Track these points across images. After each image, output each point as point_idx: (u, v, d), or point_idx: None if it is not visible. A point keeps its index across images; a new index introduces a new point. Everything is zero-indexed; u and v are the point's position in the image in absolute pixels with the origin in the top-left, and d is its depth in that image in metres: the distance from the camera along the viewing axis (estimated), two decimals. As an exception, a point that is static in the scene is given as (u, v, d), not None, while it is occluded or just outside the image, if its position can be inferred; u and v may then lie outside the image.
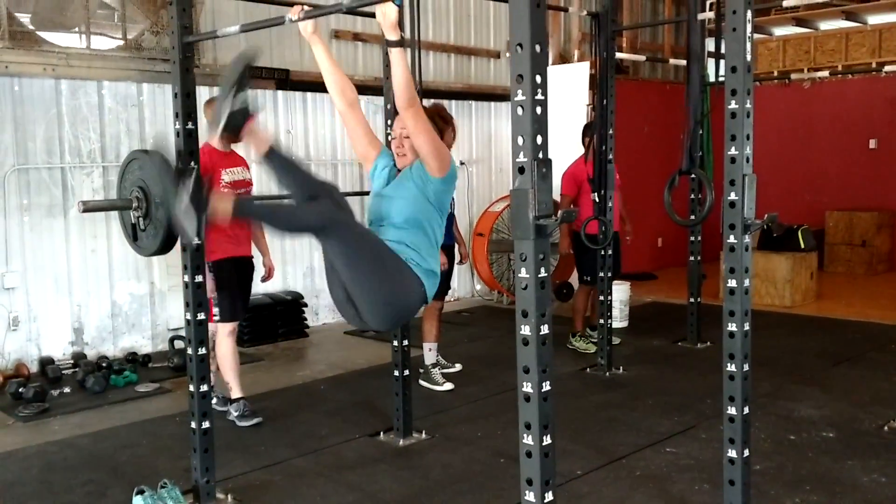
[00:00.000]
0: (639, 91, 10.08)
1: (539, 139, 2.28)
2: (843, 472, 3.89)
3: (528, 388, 2.37)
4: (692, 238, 6.41)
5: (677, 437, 4.40)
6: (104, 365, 5.84)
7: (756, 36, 10.92)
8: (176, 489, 3.61)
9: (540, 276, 2.32)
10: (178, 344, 6.14)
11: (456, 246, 5.76)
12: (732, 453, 3.15)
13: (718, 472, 3.73)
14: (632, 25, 9.01)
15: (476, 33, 8.73)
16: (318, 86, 7.24)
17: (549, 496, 2.40)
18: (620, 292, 7.06)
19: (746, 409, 3.14)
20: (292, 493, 3.78)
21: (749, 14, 2.99)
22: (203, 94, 6.72)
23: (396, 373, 4.43)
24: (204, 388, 3.66)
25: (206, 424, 3.66)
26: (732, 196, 3.06)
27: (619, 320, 7.06)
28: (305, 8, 3.08)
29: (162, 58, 6.35)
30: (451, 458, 4.19)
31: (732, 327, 3.11)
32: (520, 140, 2.28)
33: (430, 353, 5.51)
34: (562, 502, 3.58)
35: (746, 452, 3.15)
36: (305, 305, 7.16)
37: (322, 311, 7.63)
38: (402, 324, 4.29)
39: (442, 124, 3.58)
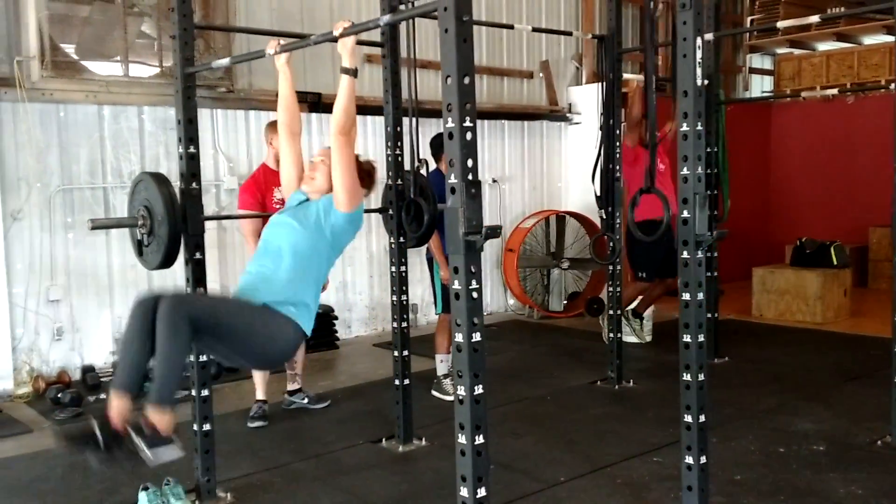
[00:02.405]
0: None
1: (469, 162, 2.50)
2: (822, 484, 3.94)
3: (461, 391, 2.56)
4: (708, 254, 6.46)
5: (667, 448, 4.49)
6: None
7: (799, 52, 10.97)
8: (179, 487, 3.89)
9: (471, 287, 2.52)
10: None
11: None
12: (689, 460, 3.28)
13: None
14: (636, 48, 9.10)
15: (509, 55, 8.94)
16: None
17: (481, 492, 2.58)
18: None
19: (703, 418, 3.27)
20: (287, 493, 4.02)
21: (699, 41, 3.14)
22: (239, 117, 7.20)
23: (397, 382, 4.65)
24: (205, 392, 3.95)
25: (206, 427, 3.95)
26: (685, 214, 3.20)
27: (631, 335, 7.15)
28: (281, 42, 3.36)
29: (198, 84, 6.72)
30: (443, 464, 4.37)
31: (687, 338, 3.24)
32: (451, 163, 2.50)
33: (441, 364, 5.71)
34: (537, 507, 3.79)
35: (703, 459, 3.28)
36: (336, 318, 7.44)
37: (355, 325, 7.91)
38: (285, 360, 4.47)
39: (366, 177, 3.71)
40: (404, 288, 4.62)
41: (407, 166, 4.51)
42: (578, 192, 8.83)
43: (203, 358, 3.92)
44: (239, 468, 4.36)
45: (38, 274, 6.20)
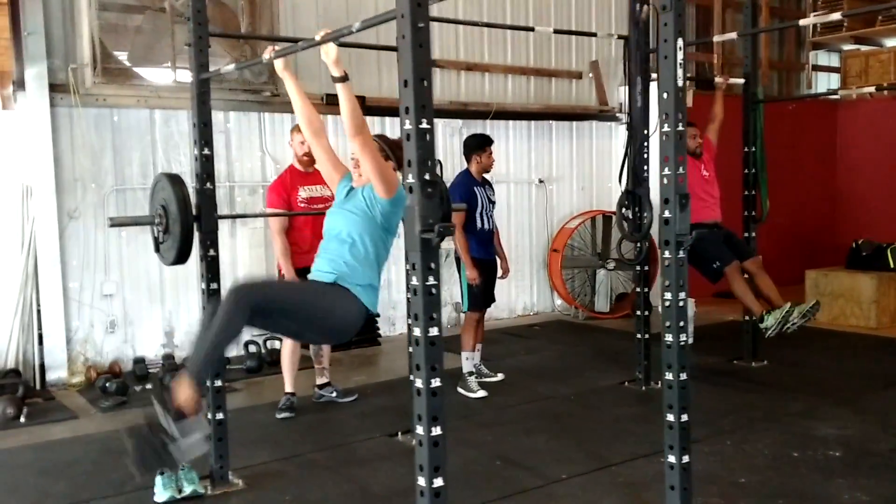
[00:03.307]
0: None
1: (426, 162, 2.59)
2: (827, 490, 3.88)
3: (418, 383, 2.66)
4: (744, 256, 6.36)
5: (679, 450, 4.48)
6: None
7: (866, 48, 10.61)
8: (193, 472, 4.08)
9: (427, 283, 2.61)
10: (252, 348, 6.73)
11: (497, 261, 6.02)
12: (672, 459, 3.29)
13: (699, 485, 3.88)
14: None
15: (557, 55, 8.95)
16: (394, 111, 7.76)
17: (437, 482, 2.66)
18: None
19: (684, 417, 3.28)
20: (296, 481, 4.18)
21: (680, 42, 3.16)
22: (286, 120, 7.42)
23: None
24: (218, 383, 4.14)
25: (220, 416, 4.13)
26: (666, 214, 3.22)
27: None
28: (276, 47, 3.52)
29: (243, 88, 7.01)
30: (452, 458, 4.39)
31: (669, 338, 3.25)
32: (408, 163, 2.59)
33: (466, 361, 5.80)
34: (534, 502, 3.85)
35: (685, 459, 3.29)
36: (378, 315, 7.60)
37: (399, 322, 8.05)
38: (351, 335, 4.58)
39: (399, 153, 3.77)
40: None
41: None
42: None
43: (217, 350, 4.09)
44: (257, 457, 4.54)
45: (93, 270, 6.55)
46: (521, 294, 8.88)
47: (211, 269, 4.08)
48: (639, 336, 5.82)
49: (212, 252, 4.06)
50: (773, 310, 5.88)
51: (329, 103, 7.29)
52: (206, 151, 4.06)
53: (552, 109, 8.75)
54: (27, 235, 6.23)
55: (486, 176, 6.00)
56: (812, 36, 10.82)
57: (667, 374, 3.29)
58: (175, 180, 3.96)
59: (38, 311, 6.28)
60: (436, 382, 2.68)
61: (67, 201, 6.41)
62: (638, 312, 5.84)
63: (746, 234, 6.32)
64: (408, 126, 2.58)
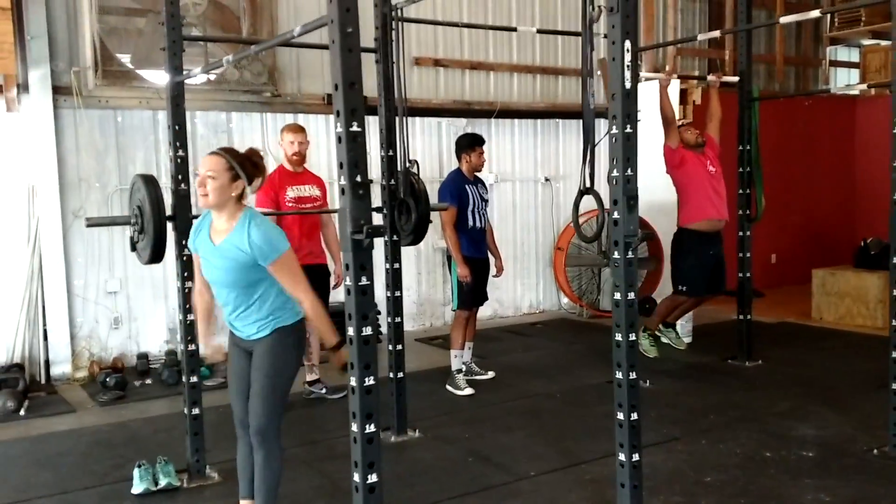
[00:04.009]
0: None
1: (357, 165, 2.65)
2: (791, 490, 3.87)
3: (353, 381, 2.72)
4: (740, 254, 6.32)
5: (653, 448, 4.46)
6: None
7: (887, 43, 10.42)
8: (170, 465, 4.20)
9: (360, 283, 2.68)
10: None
11: (491, 259, 6.06)
12: (622, 457, 3.32)
13: (663, 483, 3.91)
14: (652, 45, 8.87)
15: (564, 53, 8.94)
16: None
17: (371, 478, 2.73)
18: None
19: (634, 416, 3.30)
20: (297, 473, 4.22)
21: (627, 44, 3.18)
22: (288, 120, 7.51)
23: (391, 375, 4.83)
24: (194, 379, 4.25)
25: (196, 411, 4.24)
26: (616, 215, 3.25)
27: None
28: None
29: (244, 89, 7.14)
30: (425, 454, 4.54)
31: (619, 337, 3.28)
32: (340, 165, 2.66)
33: (455, 359, 5.85)
34: (499, 499, 3.90)
35: (636, 457, 3.31)
36: (380, 313, 7.68)
37: (404, 320, 8.11)
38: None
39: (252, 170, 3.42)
40: (398, 284, 4.79)
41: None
42: (640, 190, 8.74)
43: (192, 347, 4.21)
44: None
45: (97, 267, 6.73)
46: (527, 292, 8.91)
47: (186, 268, 4.18)
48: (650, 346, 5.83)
49: (187, 251, 4.16)
50: (652, 336, 6.37)
51: (329, 103, 7.40)
52: (180, 153, 4.19)
53: (558, 108, 8.76)
54: (32, 234, 6.42)
55: (481, 175, 6.05)
56: (829, 31, 10.68)
57: (617, 372, 3.32)
58: (149, 181, 4.07)
59: (44, 308, 6.47)
60: (370, 381, 2.74)
61: (72, 200, 6.58)
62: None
63: (741, 233, 6.28)
64: (339, 129, 2.64)
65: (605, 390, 5.72)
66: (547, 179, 8.84)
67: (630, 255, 3.27)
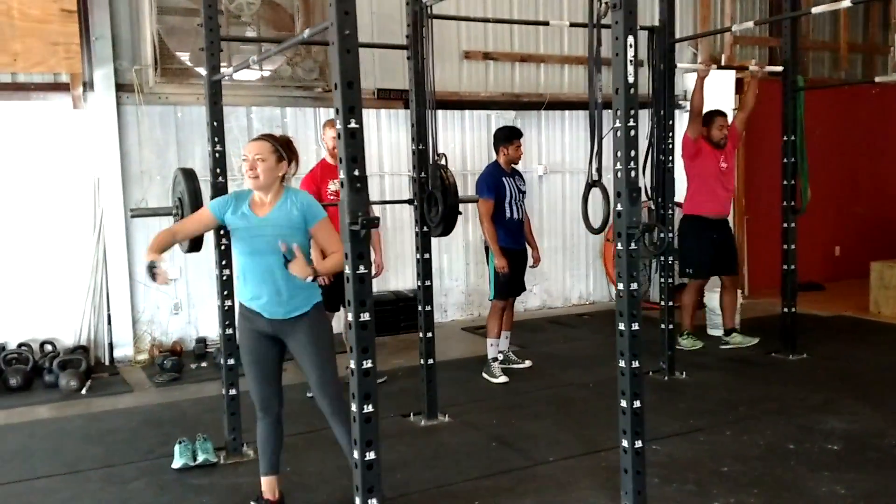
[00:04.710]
0: (810, 94, 9.68)
1: (355, 159, 2.81)
2: (806, 482, 3.89)
3: (352, 364, 2.89)
4: (785, 246, 6.26)
5: (675, 438, 4.55)
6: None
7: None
8: (208, 443, 4.47)
9: (358, 272, 2.84)
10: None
11: (528, 250, 6.16)
12: (625, 443, 3.41)
13: (679, 471, 3.98)
14: (690, 36, 8.71)
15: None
16: (444, 104, 7.95)
17: (370, 455, 2.89)
18: (715, 300, 7.04)
19: (637, 403, 3.39)
20: (302, 454, 4.48)
21: (630, 40, 3.25)
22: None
23: (422, 361, 4.99)
24: (231, 361, 4.49)
25: (233, 392, 4.49)
26: (619, 207, 3.33)
27: (718, 328, 7.04)
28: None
29: (296, 85, 7.38)
30: (451, 439, 4.69)
31: (622, 326, 3.36)
32: (340, 160, 2.82)
33: (491, 347, 5.97)
34: (514, 483, 4.03)
35: (638, 443, 3.40)
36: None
37: (451, 309, 8.30)
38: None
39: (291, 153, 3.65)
40: (428, 274, 4.94)
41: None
42: (681, 179, 8.68)
43: (228, 331, 4.45)
44: (275, 431, 4.86)
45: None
46: (577, 283, 8.96)
47: (224, 257, 4.42)
48: (662, 326, 5.85)
49: (224, 241, 4.40)
50: (692, 335, 6.64)
51: (379, 98, 7.60)
52: (218, 148, 4.41)
53: (609, 98, 8.71)
54: (98, 224, 6.80)
55: (521, 166, 6.16)
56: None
57: (620, 361, 3.40)
58: (188, 175, 4.31)
59: (108, 294, 6.85)
60: (368, 364, 2.89)
61: (135, 192, 6.94)
62: (662, 302, 5.88)
63: (785, 225, 6.22)
64: (338, 126, 2.81)
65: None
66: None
67: (633, 246, 3.34)
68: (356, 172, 2.80)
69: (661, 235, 5.59)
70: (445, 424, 4.93)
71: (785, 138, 6.17)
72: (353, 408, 2.92)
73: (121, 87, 6.76)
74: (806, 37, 9.79)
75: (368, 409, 2.90)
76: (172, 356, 6.58)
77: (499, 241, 5.85)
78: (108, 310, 6.85)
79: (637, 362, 3.38)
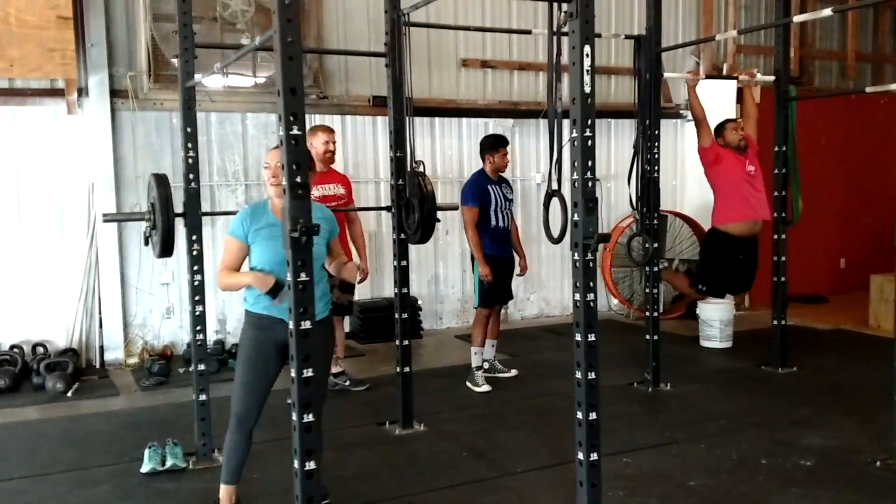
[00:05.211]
0: (814, 104, 9.58)
1: (295, 166, 2.80)
2: (774, 497, 3.83)
3: (292, 373, 2.87)
4: (775, 258, 6.18)
5: (648, 450, 4.50)
6: (232, 351, 6.96)
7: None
8: (178, 448, 4.48)
9: (300, 279, 2.83)
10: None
11: (515, 258, 6.13)
12: (581, 456, 3.37)
13: (645, 484, 3.94)
14: (675, 45, 8.59)
15: (617, 52, 8.89)
16: (441, 111, 7.97)
17: (309, 465, 2.88)
18: (720, 311, 6.96)
19: (593, 415, 3.34)
20: (270, 461, 4.47)
21: (587, 49, 3.22)
22: (335, 122, 7.73)
23: (398, 369, 4.97)
24: (202, 367, 4.50)
25: (203, 397, 4.50)
26: (575, 217, 3.30)
27: (718, 340, 6.97)
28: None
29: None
30: (423, 448, 4.66)
31: (578, 337, 3.33)
32: (282, 167, 2.82)
33: (475, 356, 5.94)
34: (476, 494, 3.99)
35: (594, 456, 3.35)
36: (420, 309, 7.85)
37: (446, 316, 8.29)
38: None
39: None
40: (406, 281, 4.93)
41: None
42: (696, 189, 8.61)
43: (199, 337, 4.46)
44: (250, 437, 4.87)
45: (151, 259, 7.10)
46: (576, 292, 8.89)
47: (196, 262, 4.43)
48: (647, 337, 5.80)
49: (196, 247, 4.41)
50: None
51: (375, 105, 7.61)
52: (191, 154, 4.43)
53: (610, 107, 8.69)
54: (90, 228, 6.86)
55: (505, 174, 6.13)
56: None
57: (576, 372, 3.37)
58: (160, 181, 4.35)
59: (100, 297, 6.90)
60: (308, 372, 2.88)
61: (129, 197, 6.99)
62: (647, 313, 5.82)
63: (776, 237, 6.14)
64: (281, 132, 2.80)
65: (623, 392, 5.79)
66: (597, 179, 8.77)
67: (589, 256, 3.31)
68: (298, 179, 2.79)
69: (647, 245, 5.57)
70: (420, 433, 4.91)
71: (776, 149, 6.10)
72: (294, 417, 2.90)
73: (115, 94, 6.83)
74: (813, 45, 9.70)
75: (308, 418, 2.89)
76: (162, 360, 6.61)
77: (484, 249, 5.83)
78: (100, 313, 6.90)
79: (593, 373, 3.34)
